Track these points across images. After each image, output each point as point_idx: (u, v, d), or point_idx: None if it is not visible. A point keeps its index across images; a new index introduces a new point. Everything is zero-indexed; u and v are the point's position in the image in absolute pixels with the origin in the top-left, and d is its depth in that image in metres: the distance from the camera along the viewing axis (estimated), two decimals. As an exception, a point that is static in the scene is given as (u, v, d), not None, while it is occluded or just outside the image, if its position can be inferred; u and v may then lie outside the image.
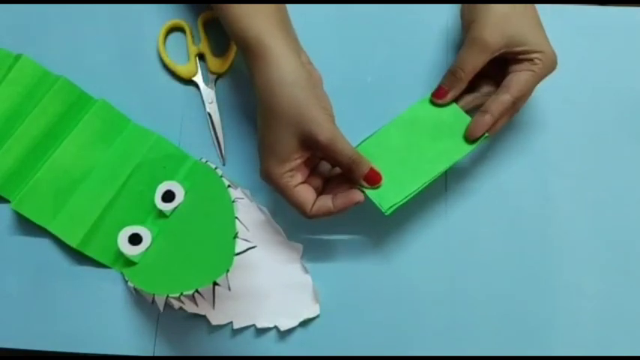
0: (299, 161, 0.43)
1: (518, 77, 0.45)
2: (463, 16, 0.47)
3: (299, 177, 0.44)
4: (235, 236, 0.41)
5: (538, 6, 0.54)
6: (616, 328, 0.48)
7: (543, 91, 0.52)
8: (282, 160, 0.43)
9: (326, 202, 0.44)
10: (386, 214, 0.44)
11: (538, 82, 0.46)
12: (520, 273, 0.49)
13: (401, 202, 0.44)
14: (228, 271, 0.39)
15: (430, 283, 0.49)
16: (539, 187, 0.50)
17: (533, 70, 0.45)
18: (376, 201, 0.44)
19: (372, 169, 0.44)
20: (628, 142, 0.51)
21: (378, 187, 0.44)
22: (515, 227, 0.50)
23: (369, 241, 0.50)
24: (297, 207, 0.44)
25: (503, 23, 0.44)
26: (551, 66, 0.46)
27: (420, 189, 0.44)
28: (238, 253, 0.40)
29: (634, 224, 0.50)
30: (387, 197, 0.44)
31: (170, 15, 0.54)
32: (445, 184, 0.51)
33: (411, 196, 0.44)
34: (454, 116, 0.46)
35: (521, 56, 0.45)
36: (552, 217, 0.50)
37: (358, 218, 0.50)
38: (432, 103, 0.47)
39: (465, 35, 0.46)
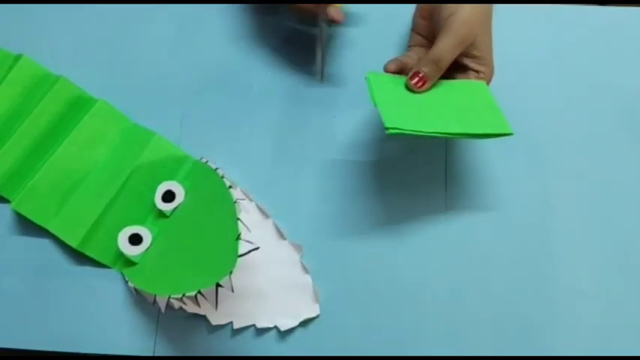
0: None
1: None
2: (435, 11, 0.47)
3: None
4: (238, 238, 0.41)
5: (537, 6, 0.54)
6: (616, 328, 0.48)
7: (543, 91, 0.52)
8: None
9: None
10: (388, 132, 0.41)
11: None
12: (520, 273, 0.49)
13: (405, 131, 0.42)
14: (231, 272, 0.39)
15: (430, 283, 0.49)
16: (538, 187, 0.51)
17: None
18: (383, 116, 0.42)
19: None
20: (628, 142, 0.51)
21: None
22: (514, 227, 0.50)
23: (369, 241, 0.50)
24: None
25: (475, 23, 0.45)
26: (489, 81, 0.47)
27: (427, 134, 0.42)
28: (241, 255, 0.40)
29: (634, 224, 0.50)
30: (395, 119, 0.42)
31: (170, 15, 0.54)
32: (445, 184, 0.51)
33: (418, 133, 0.42)
34: (485, 102, 0.46)
35: (471, 64, 0.46)
36: (552, 217, 0.50)
37: (358, 218, 0.50)
38: (407, 88, 0.45)
39: (440, 27, 0.45)
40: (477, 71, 0.46)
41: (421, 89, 0.45)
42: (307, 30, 0.53)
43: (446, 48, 0.44)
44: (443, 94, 0.45)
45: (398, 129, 0.41)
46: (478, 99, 0.46)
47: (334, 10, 0.47)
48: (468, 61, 0.46)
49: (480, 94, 0.46)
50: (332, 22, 0.48)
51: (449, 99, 0.45)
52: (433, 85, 0.45)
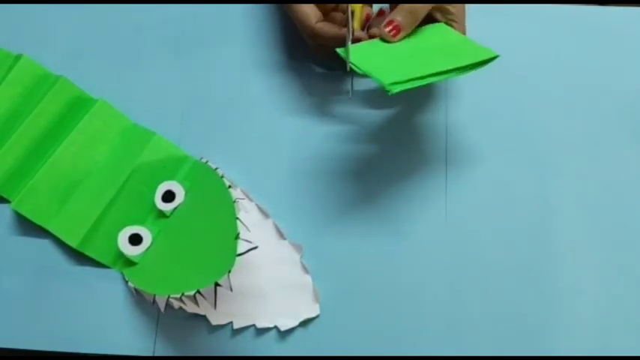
0: None
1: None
2: None
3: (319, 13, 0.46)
4: (237, 237, 0.41)
5: (537, 6, 0.54)
6: (616, 328, 0.48)
7: (543, 91, 0.52)
8: None
9: (332, 21, 0.45)
10: (390, 92, 0.40)
11: None
12: (520, 273, 0.49)
13: (404, 84, 0.40)
14: (229, 271, 0.39)
15: (430, 283, 0.49)
16: (538, 187, 0.50)
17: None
18: (379, 78, 0.41)
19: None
20: (628, 142, 0.51)
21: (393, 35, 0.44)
22: (515, 227, 0.50)
23: (369, 241, 0.50)
24: (302, 19, 0.45)
25: None
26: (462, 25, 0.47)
27: (424, 80, 0.41)
28: (240, 254, 0.40)
29: (634, 224, 0.50)
30: (390, 75, 0.41)
31: (170, 14, 0.54)
32: (445, 185, 0.51)
33: (416, 83, 0.41)
34: (457, 38, 0.45)
35: (443, 19, 0.46)
36: (552, 217, 0.50)
37: (358, 218, 0.50)
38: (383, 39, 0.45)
39: None
40: (447, 24, 0.46)
41: (395, 38, 0.44)
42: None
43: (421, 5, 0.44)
44: (417, 42, 0.45)
45: (398, 83, 0.40)
46: (449, 37, 0.45)
47: (359, 34, 0.46)
48: (439, 16, 0.45)
49: (446, 33, 0.45)
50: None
51: (425, 44, 0.44)
52: (407, 36, 0.44)
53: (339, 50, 0.43)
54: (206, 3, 0.54)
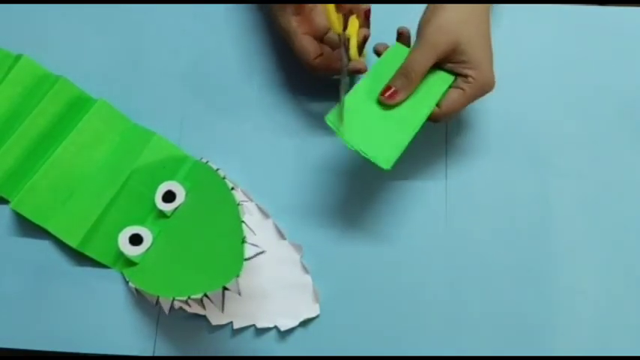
0: (300, 8, 0.46)
1: (448, 94, 0.44)
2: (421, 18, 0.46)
3: (305, 27, 0.47)
4: (244, 241, 0.40)
5: (537, 6, 0.54)
6: (616, 328, 0.48)
7: (543, 90, 0.52)
8: (282, 7, 0.46)
9: (333, 59, 0.46)
10: (386, 168, 0.42)
11: (467, 102, 0.44)
12: (520, 273, 0.49)
13: (398, 155, 0.42)
14: (238, 276, 0.39)
15: (430, 283, 0.49)
16: (538, 187, 0.51)
17: (463, 89, 0.44)
18: (374, 159, 0.42)
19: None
20: (628, 142, 0.51)
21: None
22: (515, 227, 0.50)
23: (369, 241, 0.50)
24: (300, 55, 0.47)
25: (453, 27, 0.42)
26: (484, 87, 0.44)
27: (411, 139, 0.43)
28: (247, 259, 0.39)
29: (634, 224, 0.50)
30: (383, 154, 0.42)
31: (170, 14, 0.54)
32: (445, 184, 0.51)
33: (406, 147, 0.42)
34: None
35: (457, 68, 0.44)
36: (552, 217, 0.50)
37: (358, 218, 0.50)
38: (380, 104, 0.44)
39: (417, 35, 0.44)
40: (464, 75, 0.44)
41: (392, 102, 0.44)
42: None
43: (416, 59, 0.43)
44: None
45: (392, 159, 0.42)
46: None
47: (356, 63, 0.46)
48: (452, 67, 0.44)
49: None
50: (354, 73, 0.47)
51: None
52: (406, 98, 0.44)
53: (329, 121, 0.43)
54: (206, 3, 0.54)
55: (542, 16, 0.54)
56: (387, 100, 0.44)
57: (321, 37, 0.48)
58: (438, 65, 0.44)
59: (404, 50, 0.45)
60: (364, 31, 0.47)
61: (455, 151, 0.51)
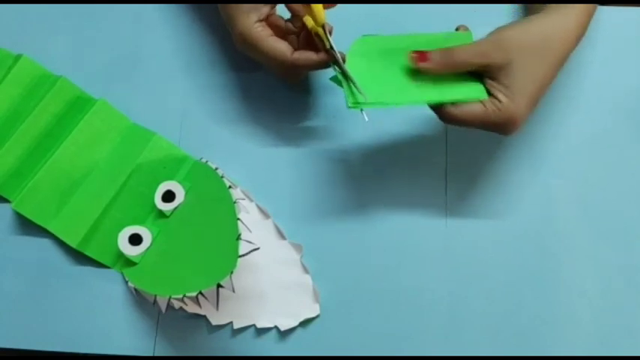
0: (264, 10, 0.45)
1: (470, 103, 0.42)
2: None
3: (268, 31, 0.45)
4: (238, 238, 0.41)
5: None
6: (616, 328, 0.48)
7: (543, 91, 0.52)
8: (247, 11, 0.45)
9: (308, 54, 0.44)
10: (348, 106, 0.41)
11: (482, 125, 0.42)
12: (521, 273, 0.49)
13: (370, 107, 0.41)
14: (231, 273, 0.39)
15: (430, 283, 0.49)
16: (539, 187, 0.50)
17: (486, 108, 0.41)
18: (346, 92, 0.41)
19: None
20: (628, 142, 0.51)
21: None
22: (515, 228, 0.50)
23: (369, 241, 0.50)
24: (277, 55, 0.44)
25: (516, 48, 0.41)
26: (507, 122, 0.41)
27: (395, 105, 0.42)
28: (242, 255, 0.40)
29: (635, 224, 0.50)
30: (358, 94, 0.41)
31: (171, 15, 0.54)
32: (445, 185, 0.51)
33: (384, 106, 0.41)
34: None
35: (493, 89, 0.42)
36: (552, 217, 0.50)
37: (359, 219, 0.50)
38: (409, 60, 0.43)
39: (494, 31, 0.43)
40: (497, 98, 0.41)
41: (419, 64, 0.42)
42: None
43: (466, 49, 0.42)
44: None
45: (361, 105, 0.41)
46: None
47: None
48: (491, 84, 0.42)
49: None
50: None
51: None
52: (433, 75, 0.42)
53: (351, 105, 0.42)
54: (205, 3, 0.54)
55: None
56: (415, 60, 0.42)
57: (283, 37, 0.46)
58: (483, 75, 0.42)
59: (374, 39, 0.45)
60: (328, 25, 0.46)
61: (455, 151, 0.51)
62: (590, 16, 0.45)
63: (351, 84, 0.42)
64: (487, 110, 0.42)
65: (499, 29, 0.43)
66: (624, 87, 0.52)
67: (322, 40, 0.44)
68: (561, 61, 0.43)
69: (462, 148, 0.51)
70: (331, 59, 0.44)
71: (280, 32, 0.46)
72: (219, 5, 0.47)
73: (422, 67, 0.42)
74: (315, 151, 0.51)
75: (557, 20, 0.43)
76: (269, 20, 0.46)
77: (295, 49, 0.45)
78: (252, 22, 0.45)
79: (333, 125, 0.52)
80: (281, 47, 0.45)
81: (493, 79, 0.42)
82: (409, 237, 0.50)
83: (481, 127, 0.43)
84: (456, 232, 0.50)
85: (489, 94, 0.42)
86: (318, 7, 0.43)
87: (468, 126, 0.43)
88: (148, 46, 0.54)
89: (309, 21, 0.44)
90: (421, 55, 0.42)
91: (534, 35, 0.42)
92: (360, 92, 0.42)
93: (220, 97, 0.52)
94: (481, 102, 0.42)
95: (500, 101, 0.41)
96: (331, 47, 0.43)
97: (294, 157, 0.51)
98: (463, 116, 0.42)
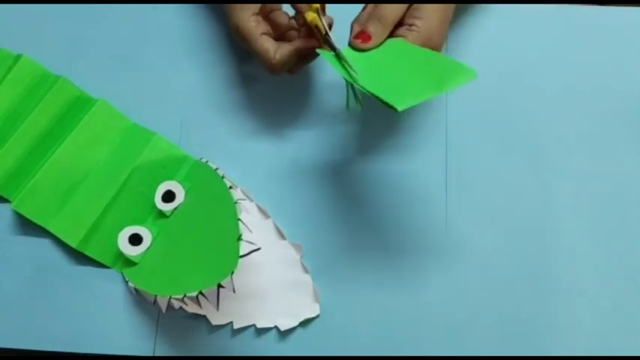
0: (259, 6, 0.45)
1: (393, 39, 0.44)
2: None
3: (263, 27, 0.46)
4: (239, 238, 0.41)
5: (537, 6, 0.54)
6: (616, 328, 0.48)
7: (543, 91, 0.52)
8: (243, 5, 0.45)
9: (286, 46, 0.45)
10: (399, 109, 0.38)
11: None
12: (521, 273, 0.49)
13: (415, 103, 0.39)
14: (232, 273, 0.39)
15: (430, 283, 0.49)
16: (539, 187, 0.50)
17: (405, 38, 0.43)
18: (389, 100, 0.39)
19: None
20: (628, 143, 0.51)
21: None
22: (515, 228, 0.50)
23: (369, 241, 0.50)
24: (262, 55, 0.45)
25: None
26: (427, 42, 0.43)
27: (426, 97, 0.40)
28: (242, 256, 0.40)
29: (634, 225, 0.50)
30: (401, 97, 0.39)
31: (171, 14, 0.54)
32: (445, 185, 0.51)
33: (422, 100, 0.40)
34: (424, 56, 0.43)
35: (407, 19, 0.44)
36: (552, 217, 0.50)
37: (358, 218, 0.50)
38: (352, 47, 0.44)
39: None
40: (410, 24, 0.44)
41: (365, 46, 0.44)
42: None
43: (389, 6, 0.43)
44: (392, 63, 0.43)
45: (409, 103, 0.39)
46: (417, 56, 0.43)
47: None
48: (404, 19, 0.44)
49: (411, 51, 0.43)
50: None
51: (397, 64, 0.43)
52: (379, 45, 0.44)
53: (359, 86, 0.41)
54: (205, 3, 0.54)
55: (542, 16, 0.54)
56: (360, 43, 0.44)
57: (280, 38, 0.47)
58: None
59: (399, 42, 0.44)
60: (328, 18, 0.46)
61: (455, 152, 0.51)
62: None
63: (345, 65, 0.42)
64: (409, 39, 0.44)
65: None
66: (624, 87, 0.52)
67: (321, 32, 0.44)
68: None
69: (462, 148, 0.51)
70: (327, 46, 0.44)
71: (282, 29, 0.47)
72: None
73: (369, 47, 0.44)
74: (315, 151, 0.51)
75: None
76: (271, 17, 0.47)
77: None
78: (247, 15, 0.45)
79: (333, 125, 0.52)
80: (267, 47, 0.45)
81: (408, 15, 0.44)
82: (409, 237, 0.50)
83: None
84: (456, 232, 0.50)
85: (402, 25, 0.44)
86: None
87: None
88: (148, 46, 0.54)
89: (309, 15, 0.44)
90: (364, 36, 0.44)
91: None
92: (353, 71, 0.42)
93: (220, 97, 0.52)
94: (399, 36, 0.44)
95: (416, 25, 0.43)
96: (326, 33, 0.44)
97: (294, 157, 0.51)
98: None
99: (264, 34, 0.46)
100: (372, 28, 0.44)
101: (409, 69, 0.42)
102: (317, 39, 0.45)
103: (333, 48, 0.44)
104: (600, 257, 0.49)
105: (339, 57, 0.43)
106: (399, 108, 0.38)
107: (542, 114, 0.52)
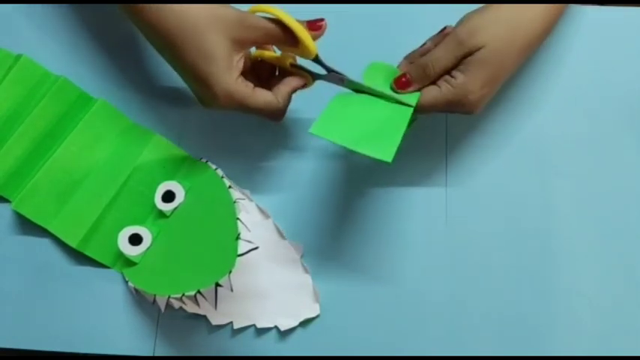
0: (240, 63, 0.42)
1: (425, 89, 0.43)
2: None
3: (249, 82, 0.43)
4: (237, 237, 0.41)
5: (536, 6, 0.54)
6: (616, 328, 0.48)
7: (543, 91, 0.52)
8: (228, 68, 0.41)
9: (282, 89, 0.44)
10: (389, 161, 0.40)
11: (440, 106, 0.43)
12: (520, 273, 0.49)
13: (397, 146, 0.40)
14: (230, 272, 0.39)
15: (430, 283, 0.49)
16: (539, 188, 0.50)
17: (439, 88, 0.42)
18: (375, 155, 0.40)
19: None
20: (628, 143, 0.51)
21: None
22: (515, 228, 0.50)
23: (369, 241, 0.50)
24: (265, 107, 0.43)
25: (486, 29, 0.41)
26: (462, 100, 0.42)
27: (404, 131, 0.41)
28: (240, 255, 0.40)
29: (634, 225, 0.50)
30: (382, 148, 0.40)
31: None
32: (445, 186, 0.51)
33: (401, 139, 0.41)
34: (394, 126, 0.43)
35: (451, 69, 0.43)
36: (552, 218, 0.50)
37: (359, 218, 0.50)
38: (392, 89, 0.44)
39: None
40: (452, 77, 0.42)
41: (403, 91, 0.44)
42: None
43: (438, 54, 0.42)
44: (370, 110, 0.44)
45: (393, 151, 0.40)
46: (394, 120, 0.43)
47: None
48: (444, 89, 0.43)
49: (399, 116, 0.43)
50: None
51: (369, 115, 0.44)
52: (417, 91, 0.44)
53: (315, 132, 0.41)
54: (205, 3, 0.54)
55: (542, 16, 0.54)
56: (399, 87, 0.43)
57: (265, 84, 0.46)
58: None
59: (383, 65, 0.45)
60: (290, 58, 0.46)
61: (455, 152, 0.51)
62: (557, 14, 0.45)
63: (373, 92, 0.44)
64: (441, 90, 0.42)
65: (470, 16, 0.43)
66: (624, 87, 0.52)
67: (301, 69, 0.45)
68: (523, 52, 0.43)
69: (462, 148, 0.51)
70: (337, 81, 0.45)
71: (251, 71, 0.46)
72: (184, 64, 0.43)
73: (410, 90, 0.44)
74: (315, 151, 0.51)
75: (525, 10, 0.43)
76: (254, 65, 0.46)
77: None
78: (234, 79, 0.42)
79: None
80: (268, 98, 0.44)
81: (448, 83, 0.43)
82: (409, 237, 0.50)
83: (440, 108, 0.43)
84: (456, 231, 0.50)
85: (450, 76, 0.43)
86: (307, 39, 0.42)
87: (428, 110, 0.44)
88: (148, 45, 0.54)
89: (256, 52, 0.45)
90: (403, 81, 0.43)
91: (503, 23, 0.42)
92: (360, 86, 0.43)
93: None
94: (436, 84, 0.43)
95: (454, 78, 0.42)
96: (332, 70, 0.45)
97: (294, 157, 0.51)
98: (423, 105, 0.43)
99: (254, 89, 0.44)
100: (414, 74, 0.43)
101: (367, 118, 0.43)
102: (304, 73, 0.45)
103: (327, 69, 0.45)
104: (600, 257, 0.49)
105: (342, 81, 0.45)
106: (389, 159, 0.39)
107: (542, 113, 0.52)
